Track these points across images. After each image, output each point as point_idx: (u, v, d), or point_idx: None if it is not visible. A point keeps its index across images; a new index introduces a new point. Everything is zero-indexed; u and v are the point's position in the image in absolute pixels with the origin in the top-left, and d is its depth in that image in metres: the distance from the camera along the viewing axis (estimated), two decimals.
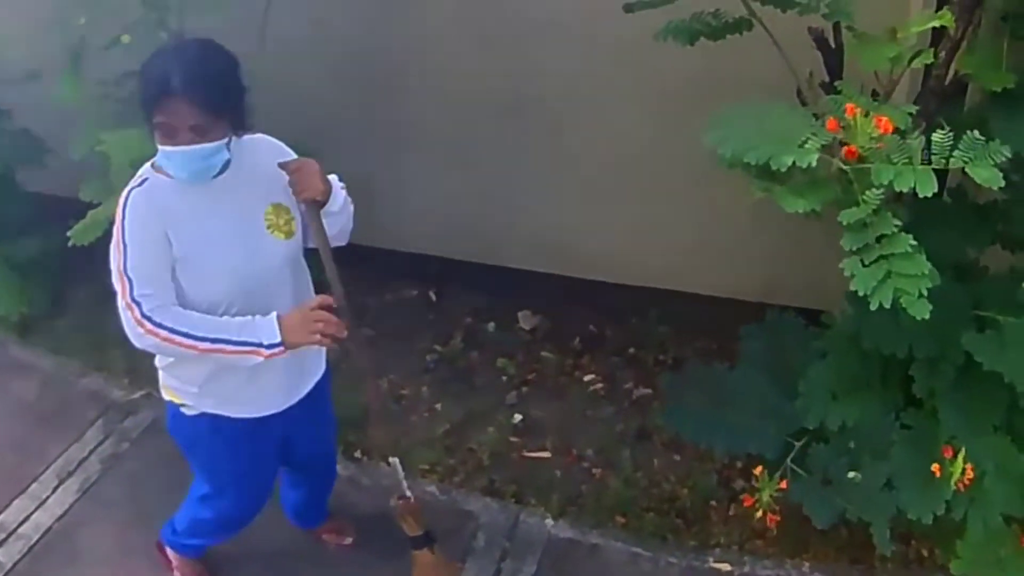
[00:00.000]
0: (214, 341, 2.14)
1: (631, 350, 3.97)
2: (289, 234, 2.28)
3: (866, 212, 2.03)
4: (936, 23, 2.22)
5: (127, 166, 3.03)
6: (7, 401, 3.90)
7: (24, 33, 3.47)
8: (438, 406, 3.75)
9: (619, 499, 3.35)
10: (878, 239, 2.04)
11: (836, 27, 2.63)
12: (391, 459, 2.58)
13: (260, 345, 2.15)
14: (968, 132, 1.98)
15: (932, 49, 2.43)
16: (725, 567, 3.11)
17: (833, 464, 2.75)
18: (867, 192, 2.03)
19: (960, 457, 2.41)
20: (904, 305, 1.98)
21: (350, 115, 3.90)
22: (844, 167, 2.10)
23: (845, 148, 2.09)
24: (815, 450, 2.80)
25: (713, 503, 3.32)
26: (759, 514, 2.78)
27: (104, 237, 3.25)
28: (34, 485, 3.48)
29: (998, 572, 2.64)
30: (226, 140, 2.11)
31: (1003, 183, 1.93)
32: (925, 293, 1.97)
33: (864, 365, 2.76)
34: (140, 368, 3.90)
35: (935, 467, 2.45)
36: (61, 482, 3.49)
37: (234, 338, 2.15)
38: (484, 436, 3.62)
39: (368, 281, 4.04)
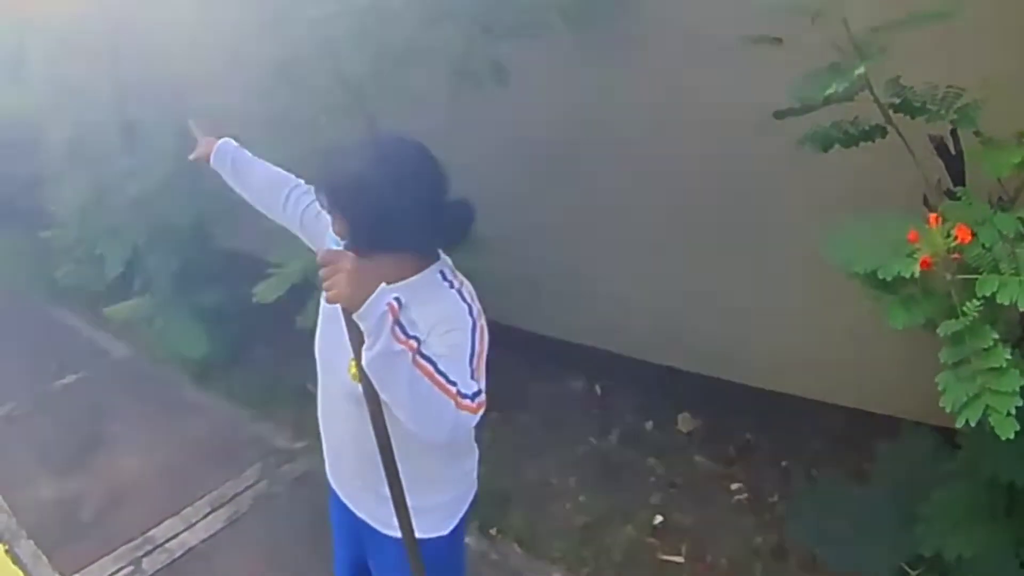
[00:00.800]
0: None
1: (783, 463, 3.93)
2: (356, 377, 1.98)
3: (964, 324, 2.00)
4: None
5: None
6: (178, 436, 4.39)
7: (230, 103, 3.82)
8: (582, 498, 3.84)
9: None
10: (975, 353, 1.99)
11: (954, 133, 2.63)
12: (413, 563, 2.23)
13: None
14: None
15: None
16: None
17: None
18: (967, 304, 2.00)
19: None
20: (992, 424, 1.93)
21: (529, 207, 4.11)
22: (949, 278, 2.08)
23: (921, 259, 2.06)
24: None
25: None
26: None
27: (286, 296, 3.55)
28: (187, 509, 3.89)
29: None
30: (342, 244, 2.00)
31: None
32: (1014, 412, 1.91)
33: (991, 493, 2.65)
34: (304, 422, 4.26)
35: None
36: (212, 510, 3.88)
37: None
38: (621, 533, 3.67)
39: (534, 368, 4.15)
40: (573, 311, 4.26)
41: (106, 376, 4.96)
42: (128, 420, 4.51)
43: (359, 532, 2.37)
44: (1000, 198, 2.42)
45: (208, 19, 4.22)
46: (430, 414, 1.78)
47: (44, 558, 3.64)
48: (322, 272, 1.77)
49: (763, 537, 3.59)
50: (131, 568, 3.55)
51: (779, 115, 2.80)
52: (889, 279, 2.06)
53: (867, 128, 2.65)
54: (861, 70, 2.37)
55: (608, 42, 3.71)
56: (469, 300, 2.02)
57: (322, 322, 2.20)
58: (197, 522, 3.78)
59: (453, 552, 2.36)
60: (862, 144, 2.67)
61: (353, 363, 1.94)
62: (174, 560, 3.60)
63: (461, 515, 2.34)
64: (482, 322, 2.00)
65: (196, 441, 4.29)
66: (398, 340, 1.73)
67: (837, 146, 2.68)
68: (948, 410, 1.98)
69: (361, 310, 1.73)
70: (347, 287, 1.73)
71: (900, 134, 2.58)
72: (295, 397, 4.41)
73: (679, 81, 3.65)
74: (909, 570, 2.78)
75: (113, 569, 3.55)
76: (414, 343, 1.75)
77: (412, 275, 2.04)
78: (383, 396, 1.83)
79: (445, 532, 2.28)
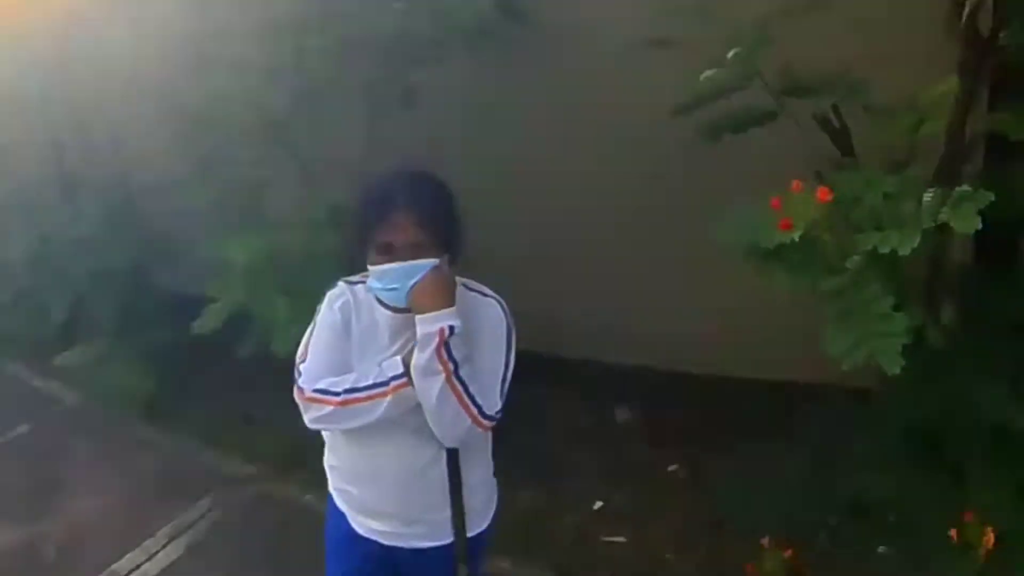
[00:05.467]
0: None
1: (716, 439, 4.14)
2: None
3: (845, 280, 2.18)
4: (942, 90, 2.40)
5: (246, 267, 3.56)
6: (133, 473, 4.51)
7: (162, 146, 4.04)
8: (525, 492, 4.00)
9: None
10: (858, 304, 2.17)
11: (836, 109, 2.83)
12: (460, 566, 2.46)
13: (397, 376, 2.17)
14: (960, 187, 2.12)
15: (944, 117, 2.59)
16: None
17: (866, 539, 2.88)
18: (848, 260, 2.17)
19: (979, 523, 2.48)
20: (881, 363, 2.10)
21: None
22: (829, 239, 2.25)
23: (782, 221, 2.22)
24: (850, 526, 2.94)
25: None
26: None
27: (224, 330, 3.77)
28: (148, 540, 4.02)
29: None
30: (437, 262, 2.15)
31: (980, 226, 2.03)
32: (899, 350, 2.08)
33: (904, 437, 2.87)
34: (252, 447, 4.47)
35: (953, 532, 2.51)
36: (171, 540, 4.02)
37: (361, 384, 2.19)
38: (565, 521, 3.88)
39: None
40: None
41: (58, 423, 5.03)
42: (83, 463, 4.60)
43: (395, 564, 2.48)
44: (893, 163, 2.60)
45: (137, 67, 4.45)
46: (447, 423, 2.15)
47: None
48: (427, 278, 2.10)
49: (701, 511, 3.79)
50: None
51: (677, 111, 2.97)
52: (771, 247, 2.21)
53: (756, 114, 2.82)
54: (731, 54, 2.62)
55: (514, 55, 3.96)
56: (506, 311, 2.31)
57: (362, 357, 2.26)
58: (157, 552, 3.90)
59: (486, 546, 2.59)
60: (762, 130, 2.85)
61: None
62: None
63: (493, 512, 2.54)
64: (514, 334, 2.30)
65: (150, 476, 4.41)
66: (440, 359, 2.08)
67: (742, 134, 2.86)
68: (834, 355, 2.14)
69: (429, 315, 2.09)
70: (431, 297, 2.10)
71: (791, 115, 2.77)
72: (239, 426, 4.66)
73: (581, 91, 3.93)
74: (829, 521, 2.99)
75: None
76: (451, 366, 2.09)
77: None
78: (433, 406, 2.13)
79: (485, 526, 2.50)
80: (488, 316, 2.27)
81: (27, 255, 5.06)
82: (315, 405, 2.19)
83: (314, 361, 2.23)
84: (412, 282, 2.12)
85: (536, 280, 4.27)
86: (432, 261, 2.13)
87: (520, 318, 2.30)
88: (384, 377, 2.15)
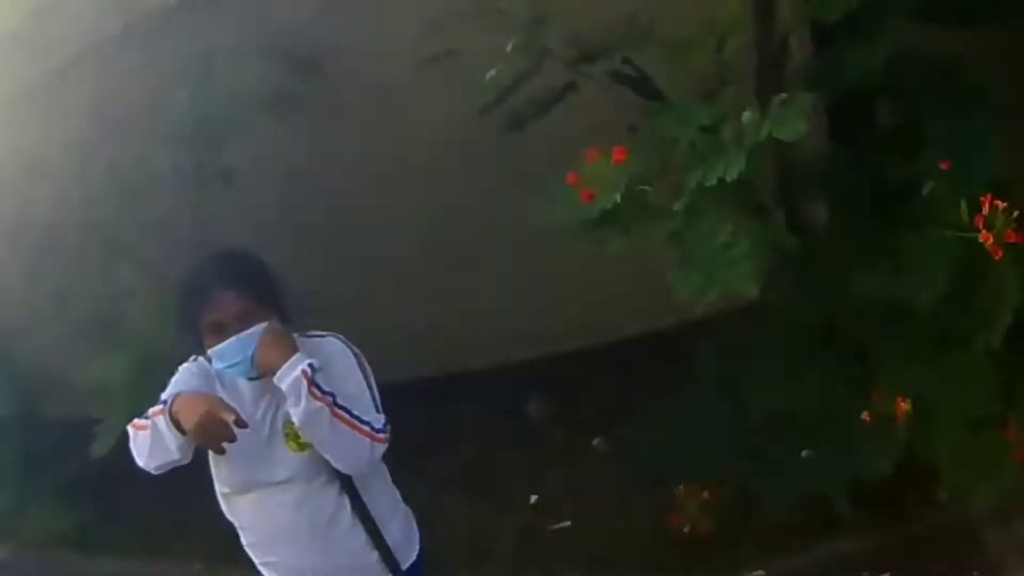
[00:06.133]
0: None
1: (628, 406, 4.14)
2: (303, 447, 2.22)
3: (678, 223, 2.24)
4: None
5: (122, 382, 3.55)
6: None
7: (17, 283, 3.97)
8: (459, 508, 4.04)
9: (645, 545, 3.56)
10: (697, 242, 2.22)
11: (626, 61, 2.87)
12: None
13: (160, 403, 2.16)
14: (777, 96, 2.18)
15: (747, 30, 2.66)
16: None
17: (786, 450, 2.92)
18: (675, 205, 2.23)
19: (890, 397, 2.56)
20: (738, 289, 2.15)
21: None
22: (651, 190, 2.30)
23: (583, 193, 2.27)
24: (770, 444, 2.99)
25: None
26: (686, 528, 3.09)
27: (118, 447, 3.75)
28: None
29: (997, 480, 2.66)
30: (267, 324, 2.17)
31: (801, 133, 2.08)
32: (750, 270, 2.14)
33: (800, 341, 2.96)
34: (191, 549, 4.42)
35: (865, 415, 2.60)
36: None
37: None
38: (507, 522, 3.95)
39: None
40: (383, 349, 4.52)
41: None
42: None
43: None
44: (708, 92, 2.60)
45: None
46: (351, 452, 2.18)
47: None
48: (264, 339, 2.12)
49: (630, 478, 3.83)
50: None
51: (483, 111, 2.98)
52: (585, 223, 2.25)
53: (558, 91, 2.85)
54: (510, 46, 2.69)
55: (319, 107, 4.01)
56: (346, 341, 2.35)
57: (234, 450, 2.16)
58: None
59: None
60: (573, 106, 2.87)
61: (291, 433, 2.21)
62: None
63: (417, 538, 2.57)
64: (363, 357, 2.34)
65: None
66: (316, 398, 2.09)
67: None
68: (685, 298, 2.18)
69: (283, 369, 2.10)
70: (276, 349, 2.12)
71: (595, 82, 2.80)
72: (173, 530, 4.56)
73: (386, 115, 4.03)
74: (755, 441, 3.04)
75: None
76: (329, 399, 2.11)
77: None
78: (309, 440, 2.16)
79: (415, 555, 2.53)
80: (332, 351, 2.31)
81: None
82: (132, 434, 2.23)
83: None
84: (251, 351, 2.15)
85: (406, 310, 4.31)
86: (262, 325, 2.16)
87: (396, 349, 2.33)
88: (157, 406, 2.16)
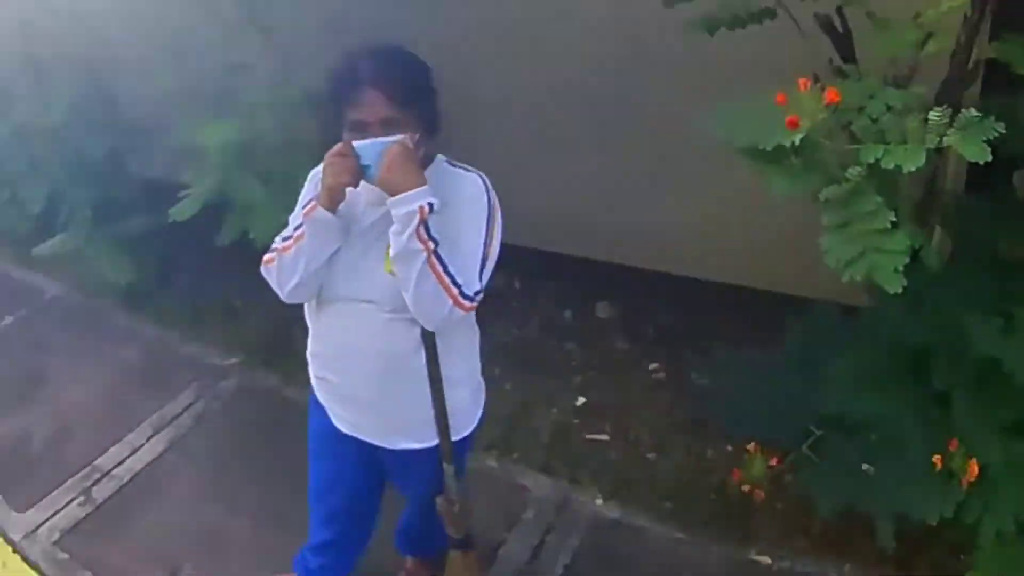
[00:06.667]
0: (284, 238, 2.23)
1: (700, 343, 4.11)
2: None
3: (846, 189, 2.08)
4: (951, 5, 2.22)
5: (221, 152, 3.45)
6: (112, 363, 4.49)
7: (132, 29, 3.87)
8: (507, 386, 4.00)
9: (669, 485, 3.51)
10: (858, 216, 2.08)
11: (840, 12, 2.69)
12: (446, 465, 2.45)
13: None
14: (965, 110, 2.00)
15: (954, 34, 2.47)
16: (765, 560, 3.21)
17: (848, 455, 2.80)
18: (849, 170, 2.07)
19: (963, 452, 2.44)
20: (880, 280, 2.03)
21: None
22: (830, 146, 2.15)
23: (788, 119, 2.09)
24: (833, 440, 2.87)
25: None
26: (745, 489, 2.93)
27: (202, 217, 3.70)
28: (130, 435, 4.00)
29: None
30: (403, 137, 2.09)
31: (990, 158, 1.92)
32: (900, 269, 2.01)
33: (892, 358, 2.83)
34: (234, 337, 4.44)
35: (936, 458, 2.48)
36: (155, 432, 4.01)
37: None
38: (547, 416, 3.88)
39: None
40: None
41: (41, 314, 5.00)
42: (66, 354, 4.58)
43: (379, 465, 2.51)
44: (895, 77, 2.47)
45: None
46: (428, 305, 2.08)
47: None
48: (392, 156, 2.04)
49: (681, 411, 3.80)
50: (81, 498, 3.67)
51: (667, 3, 2.83)
52: (769, 148, 2.10)
53: (755, 11, 2.68)
54: None
55: None
56: (487, 186, 2.23)
57: (339, 254, 2.21)
58: (141, 446, 3.89)
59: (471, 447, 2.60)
60: (757, 27, 2.69)
61: (390, 256, 2.10)
62: (122, 486, 3.72)
63: (480, 412, 2.52)
64: (498, 212, 2.23)
65: (132, 367, 4.39)
66: (420, 239, 2.02)
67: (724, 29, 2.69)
68: (832, 266, 2.05)
69: (402, 196, 2.03)
70: (399, 171, 2.03)
71: (791, 15, 2.62)
72: (221, 315, 4.62)
73: None
74: (814, 430, 2.89)
75: (64, 501, 3.66)
76: (431, 244, 2.03)
77: (429, 165, 2.21)
78: (396, 273, 2.09)
79: (471, 428, 2.48)
80: (468, 193, 2.20)
81: (0, 146, 4.94)
82: (267, 268, 2.26)
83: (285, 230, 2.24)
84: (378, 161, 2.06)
85: (523, 171, 4.17)
86: (397, 137, 2.07)
87: (503, 209, 2.22)
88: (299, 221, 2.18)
